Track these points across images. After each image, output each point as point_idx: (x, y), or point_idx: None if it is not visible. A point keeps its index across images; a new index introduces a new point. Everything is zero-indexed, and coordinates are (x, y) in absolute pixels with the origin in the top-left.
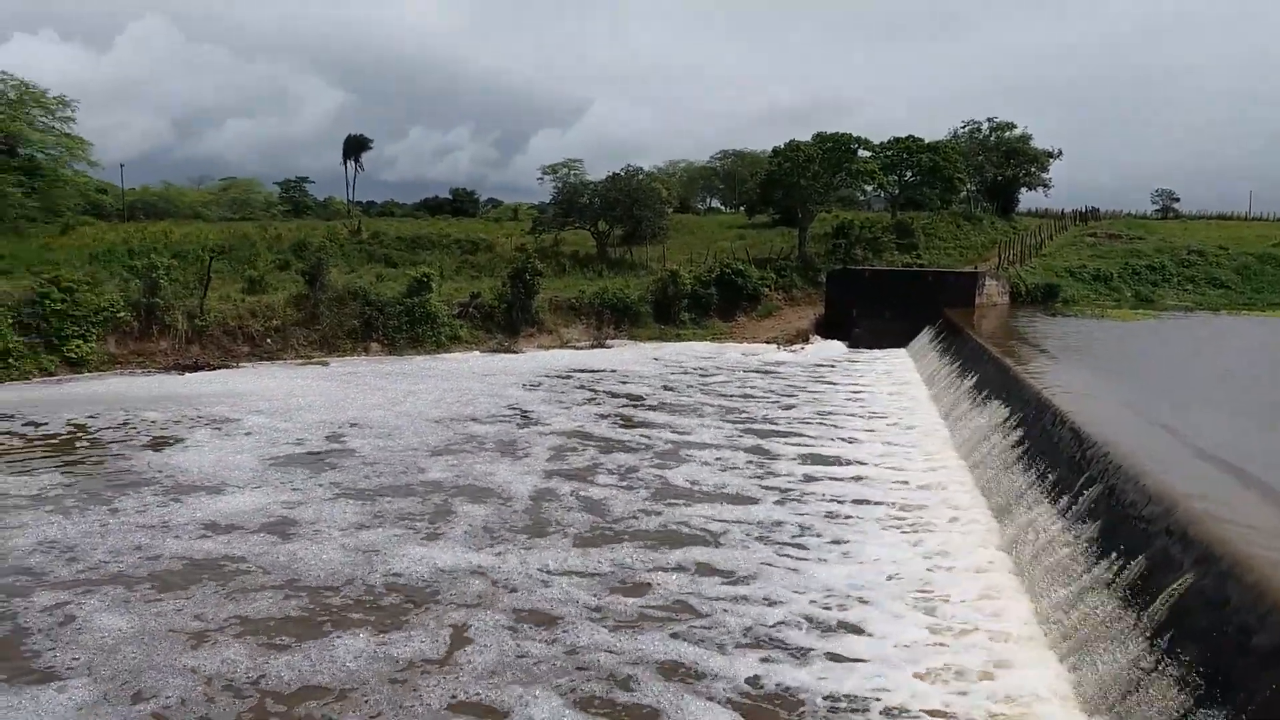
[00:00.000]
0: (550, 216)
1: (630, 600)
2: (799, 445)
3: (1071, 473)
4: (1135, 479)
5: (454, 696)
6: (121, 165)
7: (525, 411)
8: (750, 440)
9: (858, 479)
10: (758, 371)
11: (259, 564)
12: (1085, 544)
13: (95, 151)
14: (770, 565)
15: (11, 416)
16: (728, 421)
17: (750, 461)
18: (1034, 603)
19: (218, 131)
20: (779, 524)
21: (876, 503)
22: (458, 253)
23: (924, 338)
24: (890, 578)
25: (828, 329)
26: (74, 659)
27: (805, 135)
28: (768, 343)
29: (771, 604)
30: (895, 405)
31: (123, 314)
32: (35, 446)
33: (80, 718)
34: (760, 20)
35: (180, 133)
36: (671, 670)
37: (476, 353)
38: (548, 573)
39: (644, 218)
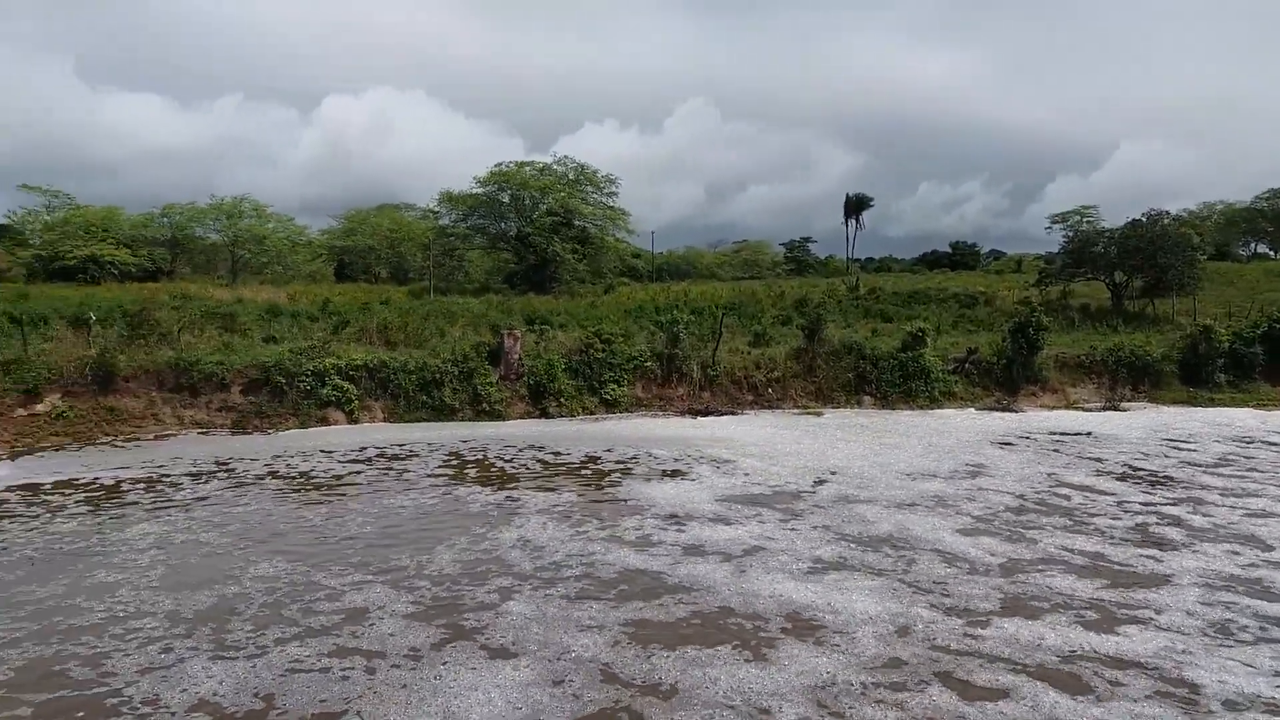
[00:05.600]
0: (1058, 267)
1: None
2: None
3: None
4: None
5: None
6: (653, 232)
7: (982, 469)
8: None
9: None
10: None
11: (675, 582)
12: None
13: (637, 221)
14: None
15: (542, 447)
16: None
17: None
18: None
19: (741, 196)
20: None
21: None
22: (955, 307)
23: None
24: None
25: None
26: (502, 638)
27: None
28: None
29: None
30: None
31: (649, 363)
32: (552, 470)
33: (523, 694)
34: None
35: (710, 199)
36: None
37: (971, 410)
38: (880, 620)
39: (1169, 266)
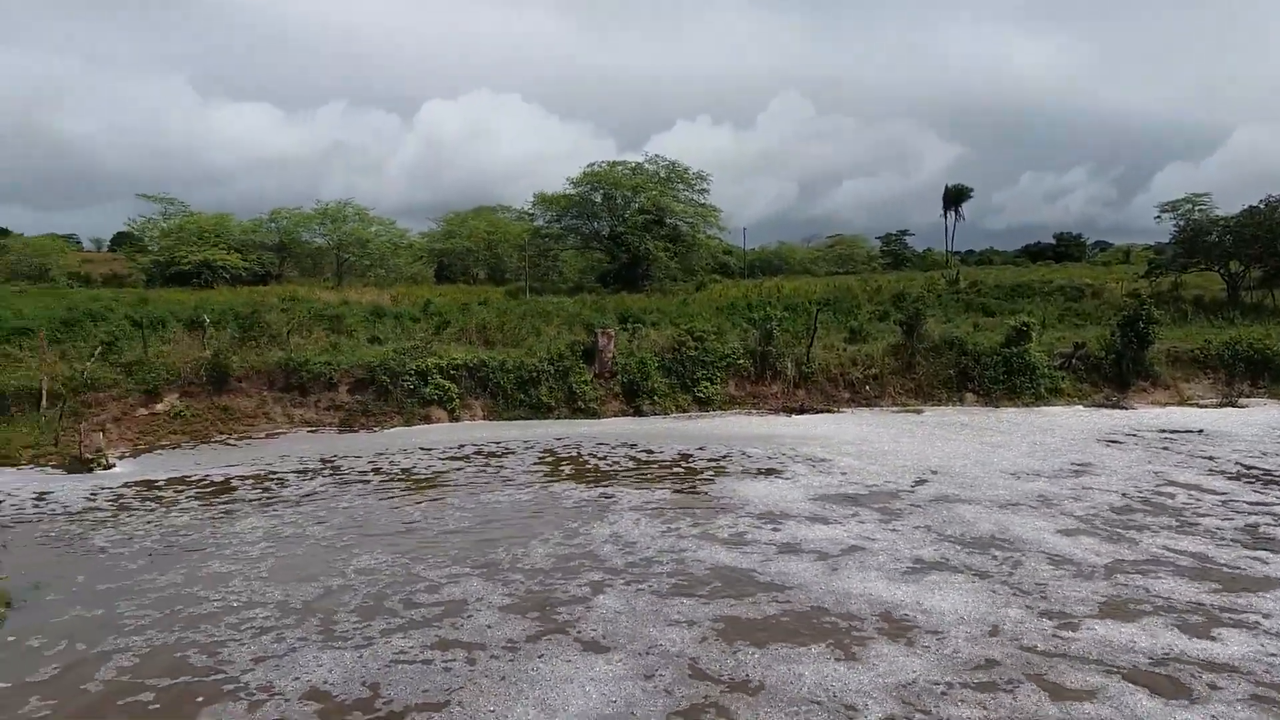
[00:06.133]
0: (1169, 258)
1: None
2: None
3: None
4: None
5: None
6: (744, 229)
7: (1088, 467)
8: None
9: None
10: None
11: (767, 580)
12: None
13: (729, 218)
14: None
15: (635, 445)
16: None
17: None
18: None
19: (835, 191)
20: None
21: None
22: (1060, 300)
23: None
24: None
25: None
26: (593, 631)
27: None
28: None
29: None
30: None
31: (742, 360)
32: (645, 467)
33: (616, 687)
34: None
35: (803, 194)
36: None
37: (1079, 407)
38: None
39: None
